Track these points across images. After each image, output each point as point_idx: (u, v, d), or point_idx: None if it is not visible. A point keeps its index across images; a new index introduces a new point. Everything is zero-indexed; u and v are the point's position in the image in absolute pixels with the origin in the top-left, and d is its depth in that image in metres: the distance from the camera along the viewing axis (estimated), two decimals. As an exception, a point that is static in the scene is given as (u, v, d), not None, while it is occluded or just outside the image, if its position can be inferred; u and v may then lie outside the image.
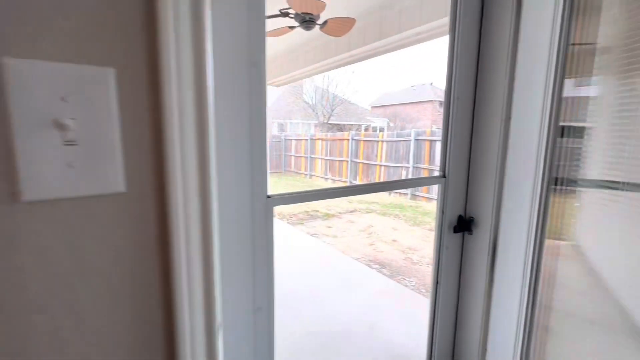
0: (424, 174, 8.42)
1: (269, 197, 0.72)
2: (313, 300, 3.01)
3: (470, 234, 1.06)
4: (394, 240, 5.28)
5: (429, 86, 39.82)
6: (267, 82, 5.40)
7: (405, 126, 24.09)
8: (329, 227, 6.02)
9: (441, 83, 36.75)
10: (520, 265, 0.90)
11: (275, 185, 11.05)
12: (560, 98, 0.82)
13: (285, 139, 14.91)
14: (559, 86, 0.81)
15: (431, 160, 8.22)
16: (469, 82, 1.01)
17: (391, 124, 26.60)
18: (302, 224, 6.20)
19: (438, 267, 1.06)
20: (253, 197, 0.69)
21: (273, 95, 25.73)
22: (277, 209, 6.99)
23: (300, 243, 4.72)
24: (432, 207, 7.82)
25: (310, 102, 21.17)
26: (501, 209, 0.97)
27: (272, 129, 21.89)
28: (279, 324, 2.70)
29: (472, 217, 1.06)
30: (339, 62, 4.04)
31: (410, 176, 8.73)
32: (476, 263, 1.04)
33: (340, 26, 2.76)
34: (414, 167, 8.66)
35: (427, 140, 8.28)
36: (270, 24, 2.72)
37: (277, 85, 5.89)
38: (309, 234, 5.53)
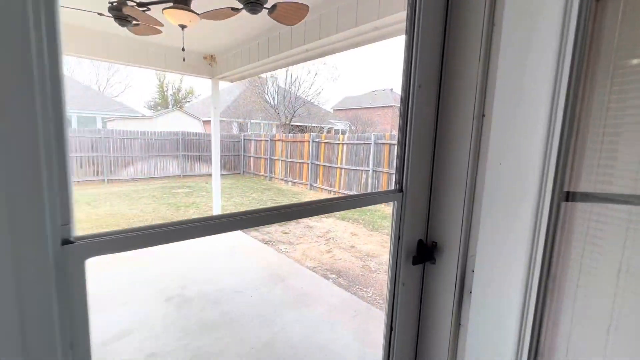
0: (384, 178, 8.43)
1: (70, 242, 0.40)
2: (261, 320, 2.67)
3: (433, 263, 0.83)
4: (352, 247, 5.11)
5: (390, 92, 41.32)
6: (220, 75, 4.95)
7: (366, 130, 24.51)
8: (286, 232, 5.70)
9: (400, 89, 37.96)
10: (513, 308, 0.66)
11: (231, 187, 10.46)
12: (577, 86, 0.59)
13: (244, 139, 14.29)
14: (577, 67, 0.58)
15: (390, 164, 8.25)
16: (432, 68, 0.77)
17: (353, 127, 26.95)
18: (256, 229, 5.80)
19: (392, 310, 0.81)
20: (28, 243, 0.36)
21: (232, 92, 24.78)
22: (230, 214, 6.51)
23: (251, 253, 4.35)
24: (390, 210, 7.83)
25: (272, 103, 20.66)
26: (473, 230, 0.74)
27: (231, 128, 21.01)
28: (222, 354, 2.36)
29: (435, 242, 0.82)
30: (296, 57, 3.76)
31: (370, 180, 8.71)
32: (440, 302, 0.81)
33: (291, 13, 2.48)
34: (373, 170, 8.64)
35: (387, 144, 8.30)
36: (211, 6, 2.38)
37: (231, 81, 5.46)
38: (262, 241, 5.16)
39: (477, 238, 0.71)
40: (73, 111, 16.19)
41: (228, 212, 6.77)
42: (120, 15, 2.53)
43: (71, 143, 10.33)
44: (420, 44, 0.73)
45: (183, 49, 2.73)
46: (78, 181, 10.40)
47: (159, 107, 35.94)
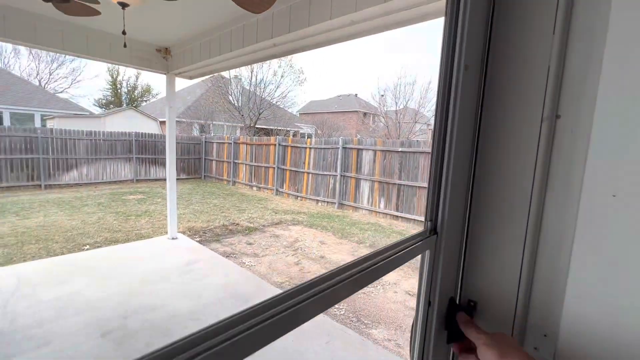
0: (352, 183, 8.29)
1: None
2: None
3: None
4: (322, 257, 4.84)
5: (354, 97, 42.06)
6: (176, 71, 4.45)
7: (332, 134, 24.56)
8: (250, 243, 5.28)
9: (365, 95, 39.10)
10: None
11: (190, 192, 9.73)
12: None
13: (205, 141, 13.50)
14: None
15: (358, 169, 8.14)
16: (478, 52, 0.51)
17: (319, 131, 26.89)
18: (217, 240, 5.32)
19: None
20: None
21: (194, 92, 23.55)
22: (188, 224, 5.95)
23: (210, 269, 3.89)
24: (360, 216, 7.70)
25: (237, 104, 19.89)
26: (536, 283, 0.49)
27: (192, 130, 19.88)
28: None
29: (473, 302, 0.56)
30: (262, 53, 3.43)
31: (337, 185, 8.52)
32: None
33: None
34: (341, 175, 8.47)
35: (354, 148, 8.19)
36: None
37: (190, 77, 4.96)
38: (224, 254, 4.71)
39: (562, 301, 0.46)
40: (3, 107, 14.27)
41: (185, 221, 6.17)
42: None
43: (5, 144, 8.98)
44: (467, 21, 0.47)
45: (124, 32, 2.29)
46: (8, 187, 9.05)
47: (112, 106, 33.24)
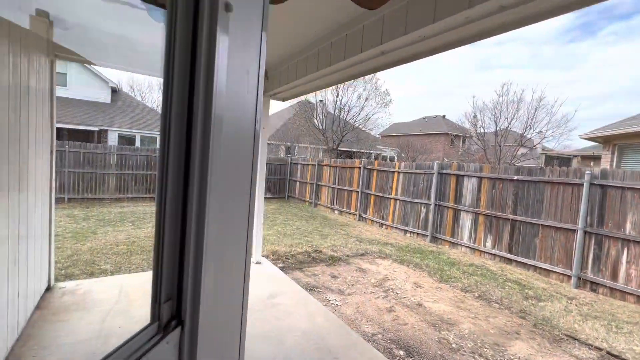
0: (449, 214, 7.18)
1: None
2: None
3: None
4: (419, 305, 4.00)
5: (442, 119, 39.56)
6: (271, 92, 4.40)
7: (417, 157, 23.07)
8: (334, 276, 4.77)
9: (454, 116, 36.16)
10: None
11: (274, 212, 9.89)
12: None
13: (291, 162, 13.92)
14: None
15: (458, 198, 7.02)
16: None
17: (402, 155, 25.64)
18: (300, 269, 4.96)
19: None
20: None
21: (282, 117, 25.19)
22: (272, 247, 5.78)
23: (292, 305, 3.48)
24: (459, 254, 6.52)
25: (320, 127, 20.42)
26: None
27: (279, 152, 21.05)
28: None
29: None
30: (364, 66, 3.03)
31: (431, 215, 7.50)
32: None
33: None
34: (436, 204, 7.44)
35: (454, 174, 7.13)
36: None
37: (284, 99, 4.92)
38: (307, 286, 4.28)
39: None
40: (137, 131, 17.39)
41: (269, 243, 6.05)
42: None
43: (133, 161, 10.71)
44: None
45: None
46: (131, 197, 10.63)
47: (214, 130, 38.06)
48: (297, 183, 13.38)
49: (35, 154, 2.75)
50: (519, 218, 5.89)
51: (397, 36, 2.20)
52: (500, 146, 16.66)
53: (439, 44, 2.35)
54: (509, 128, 17.16)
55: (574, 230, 5.17)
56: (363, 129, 21.99)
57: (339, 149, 20.67)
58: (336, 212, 10.82)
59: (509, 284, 4.98)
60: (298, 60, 3.53)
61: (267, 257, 5.26)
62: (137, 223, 7.22)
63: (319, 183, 11.89)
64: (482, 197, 6.55)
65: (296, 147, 20.82)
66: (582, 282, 5.05)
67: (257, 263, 4.57)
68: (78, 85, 17.33)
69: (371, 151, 23.90)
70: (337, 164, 11.04)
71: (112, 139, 16.72)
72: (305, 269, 4.97)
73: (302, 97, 20.76)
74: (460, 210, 6.94)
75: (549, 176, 5.55)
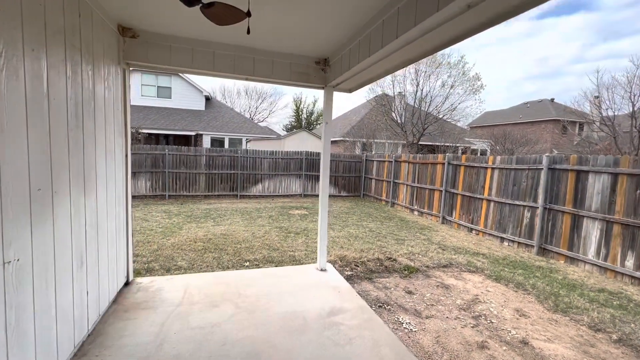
0: (564, 220, 5.63)
1: None
2: None
3: None
4: (525, 343, 3.04)
5: (549, 102, 33.37)
6: (333, 82, 3.93)
7: (515, 150, 19.68)
8: (410, 292, 4.07)
9: (566, 99, 29.70)
10: None
11: (348, 212, 9.47)
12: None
13: (366, 159, 13.31)
14: None
15: (578, 200, 5.43)
16: None
17: (496, 147, 22.29)
18: (370, 279, 4.42)
19: None
20: None
21: (359, 112, 24.58)
22: (340, 252, 5.36)
23: (355, 328, 2.98)
24: (581, 273, 5.02)
25: (399, 121, 19.15)
26: None
27: (354, 148, 20.58)
28: None
29: None
30: (441, 35, 2.31)
31: (538, 220, 6.02)
32: None
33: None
34: (546, 207, 5.94)
35: (572, 170, 5.54)
36: None
37: (349, 90, 4.41)
38: (376, 302, 3.72)
39: None
40: (225, 134, 19.11)
41: (338, 247, 5.64)
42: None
43: (218, 162, 11.67)
44: None
45: (249, 14, 1.74)
46: (217, 195, 11.58)
47: (294, 129, 39.85)
48: (373, 181, 12.70)
49: (105, 158, 2.88)
50: (683, 230, 4.16)
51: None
52: (639, 131, 12.88)
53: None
54: (652, 107, 13.12)
55: None
56: (448, 119, 19.83)
57: (420, 143, 19.07)
58: (416, 212, 9.81)
59: (670, 325, 3.50)
60: (360, 40, 2.99)
61: (334, 262, 4.86)
62: (217, 220, 7.68)
63: (397, 181, 11.00)
64: (617, 200, 4.90)
65: (372, 143, 20.00)
66: None
67: (321, 270, 4.21)
68: (179, 96, 19.93)
69: (458, 144, 21.42)
70: (416, 160, 10.00)
71: (206, 142, 18.74)
72: (376, 280, 4.40)
73: (379, 91, 19.82)
74: (583, 216, 5.35)
75: None
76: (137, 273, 4.16)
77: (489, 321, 3.43)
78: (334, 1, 2.51)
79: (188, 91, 20.14)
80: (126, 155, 3.46)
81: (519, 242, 6.45)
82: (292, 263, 4.81)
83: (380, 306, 3.64)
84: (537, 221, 6.04)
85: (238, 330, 2.75)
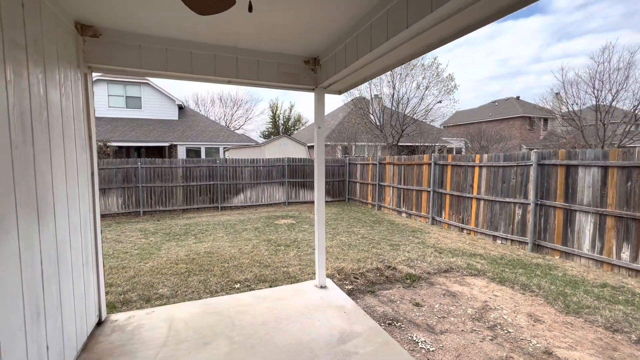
0: (557, 215, 5.62)
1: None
2: None
3: None
4: (549, 354, 2.84)
5: (515, 100, 34.95)
6: (325, 83, 3.60)
7: (491, 147, 20.31)
8: (417, 304, 3.81)
9: (529, 96, 31.19)
10: None
11: (335, 218, 9.17)
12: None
13: (349, 163, 13.12)
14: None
15: (569, 195, 5.44)
16: None
17: (470, 145, 22.93)
18: (372, 293, 4.12)
19: None
20: None
21: (336, 116, 24.52)
22: (336, 264, 5.03)
23: (368, 354, 2.66)
24: (578, 268, 4.99)
25: (378, 123, 19.20)
26: None
27: (335, 153, 20.41)
28: None
29: None
30: (433, 34, 2.10)
31: (531, 217, 5.99)
32: None
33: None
34: (537, 203, 5.92)
35: (561, 165, 5.55)
36: None
37: (339, 92, 4.14)
38: (385, 319, 3.42)
39: None
40: (202, 143, 18.33)
41: (333, 258, 5.31)
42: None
43: (196, 173, 11.03)
44: None
45: (250, 8, 1.40)
46: (197, 208, 10.93)
47: (272, 135, 39.29)
48: (357, 184, 12.52)
49: (65, 177, 2.40)
50: (677, 220, 4.19)
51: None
52: (604, 124, 13.56)
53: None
54: (614, 102, 13.88)
55: None
56: (424, 120, 20.13)
57: (399, 144, 19.21)
58: (404, 215, 9.68)
59: (680, 318, 3.45)
60: (358, 33, 2.70)
61: (332, 276, 4.53)
62: (199, 236, 7.13)
63: (382, 183, 10.86)
64: (609, 192, 4.92)
65: (353, 146, 19.92)
66: None
67: (321, 287, 3.86)
68: (150, 106, 18.94)
69: (436, 144, 21.81)
70: (401, 162, 9.90)
71: (181, 152, 17.87)
72: (379, 293, 4.11)
73: (356, 94, 19.81)
74: (575, 210, 5.35)
75: None
76: (112, 307, 3.62)
77: (505, 331, 3.22)
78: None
79: (159, 100, 19.21)
80: (92, 173, 2.97)
81: (512, 240, 6.40)
82: (287, 281, 4.42)
83: (389, 324, 3.34)
84: (530, 217, 6.02)
85: (237, 372, 2.35)
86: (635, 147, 8.32)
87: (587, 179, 5.20)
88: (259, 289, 4.09)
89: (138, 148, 18.46)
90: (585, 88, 14.66)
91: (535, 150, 6.03)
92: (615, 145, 13.75)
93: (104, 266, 3.30)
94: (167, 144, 17.23)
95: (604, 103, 13.99)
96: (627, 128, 13.37)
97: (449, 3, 1.77)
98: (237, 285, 4.28)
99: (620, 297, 3.95)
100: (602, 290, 4.16)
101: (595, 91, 14.09)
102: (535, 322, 3.41)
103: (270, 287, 4.15)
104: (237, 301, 3.56)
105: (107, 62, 2.89)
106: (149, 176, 10.40)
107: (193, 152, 18.33)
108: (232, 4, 1.83)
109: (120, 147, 16.94)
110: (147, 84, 18.39)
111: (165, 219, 9.53)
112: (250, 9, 1.43)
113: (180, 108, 21.08)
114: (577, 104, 15.16)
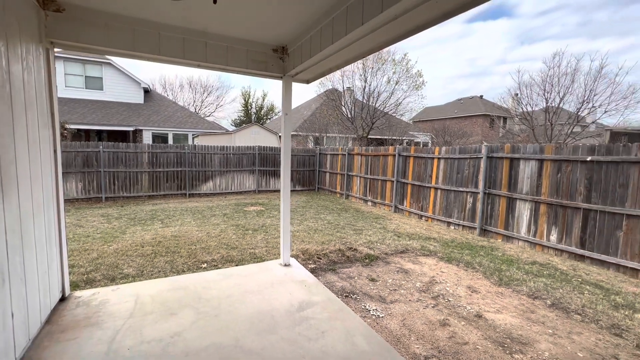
0: (501, 203, 6.27)
1: None
2: None
3: None
4: (479, 316, 3.31)
5: (479, 99, 36.87)
6: (292, 72, 3.81)
7: (454, 142, 21.51)
8: (373, 279, 4.18)
9: (494, 96, 33.30)
10: None
11: (304, 206, 9.44)
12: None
13: (320, 153, 13.39)
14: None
15: (512, 185, 6.08)
16: None
17: (437, 139, 24.10)
18: (333, 270, 4.44)
19: None
20: None
21: (310, 107, 24.62)
22: (301, 246, 5.31)
23: (326, 319, 2.97)
24: (516, 250, 5.64)
25: (349, 115, 19.60)
26: None
27: (307, 143, 20.58)
28: None
29: None
30: (403, 24, 2.37)
31: (479, 205, 6.61)
32: None
33: None
34: (485, 192, 6.54)
35: (506, 158, 6.17)
36: None
37: (307, 81, 4.34)
38: (342, 292, 3.75)
39: None
40: (169, 129, 17.72)
41: (299, 241, 5.58)
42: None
43: (163, 159, 10.75)
44: None
45: None
46: (163, 194, 10.71)
47: (243, 124, 38.56)
48: (327, 174, 12.85)
49: (28, 152, 2.42)
50: (594, 207, 4.89)
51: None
52: (552, 124, 14.87)
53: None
54: (561, 104, 15.24)
55: (674, 220, 4.14)
56: (394, 114, 20.83)
57: (369, 137, 19.76)
58: (369, 203, 10.16)
59: (588, 287, 4.09)
60: (322, 26, 2.92)
61: (296, 257, 4.79)
62: (166, 221, 7.09)
63: (350, 173, 11.25)
64: (543, 182, 5.58)
65: (325, 138, 20.21)
66: (687, 286, 4.03)
67: (285, 265, 4.11)
68: (113, 88, 17.94)
69: (404, 137, 22.67)
70: (368, 153, 10.32)
71: (147, 138, 17.19)
72: (340, 271, 4.44)
73: (329, 86, 20.03)
74: (516, 198, 6.01)
75: (636, 154, 4.50)
76: (75, 286, 3.64)
77: (446, 300, 3.67)
78: (296, -17, 2.40)
79: (123, 82, 18.22)
80: (55, 151, 2.97)
81: (463, 225, 7.03)
82: (253, 260, 4.62)
83: (346, 296, 3.67)
84: (479, 205, 6.64)
85: (202, 337, 2.55)
86: (575, 143, 9.28)
87: (526, 171, 5.85)
88: (226, 267, 4.26)
89: (99, 132, 17.50)
90: (537, 90, 15.94)
91: (485, 144, 6.62)
92: (562, 143, 15.16)
93: (67, 245, 3.31)
94: (131, 129, 16.49)
95: (553, 105, 15.31)
96: (570, 129, 14.77)
97: (396, 5, 2.04)
98: (205, 265, 4.42)
99: (544, 272, 4.58)
100: (532, 267, 4.79)
101: (546, 93, 15.37)
102: (472, 292, 3.90)
103: (237, 266, 4.33)
104: (204, 278, 3.72)
105: (70, 38, 2.87)
106: (112, 161, 10.02)
107: (160, 138, 17.70)
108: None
109: (79, 130, 15.98)
110: (110, 64, 17.37)
111: (130, 205, 9.29)
112: (214, 1, 1.58)
113: (146, 91, 20.14)
114: (530, 105, 16.44)
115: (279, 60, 3.83)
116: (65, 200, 9.22)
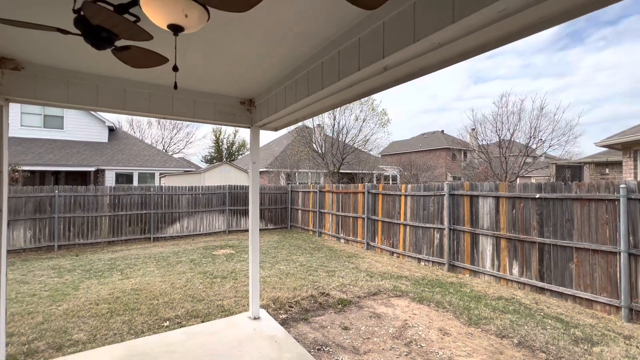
0: (466, 239, 6.54)
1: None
2: None
3: None
4: (451, 362, 3.31)
5: (440, 134, 39.42)
6: (260, 122, 3.94)
7: (419, 175, 22.56)
8: (346, 327, 4.09)
9: (453, 130, 36.00)
10: None
11: (277, 246, 9.24)
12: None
13: (292, 190, 13.41)
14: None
15: (474, 221, 6.41)
16: None
17: (405, 173, 25.15)
18: (305, 320, 4.30)
19: None
20: None
21: (281, 143, 25.00)
22: (272, 294, 5.13)
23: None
24: (483, 285, 5.82)
25: (320, 151, 20.09)
26: None
27: (279, 179, 20.60)
28: None
29: None
30: (361, 87, 2.59)
31: (446, 240, 6.85)
32: None
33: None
34: (451, 228, 6.82)
35: (467, 195, 6.55)
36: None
37: (275, 129, 4.48)
38: (314, 345, 3.61)
39: None
40: (134, 168, 17.08)
41: (270, 287, 5.40)
42: (91, 29, 1.56)
43: (126, 201, 10.23)
44: None
45: (175, 68, 1.64)
46: (125, 240, 10.06)
47: (215, 161, 38.08)
48: (300, 211, 12.80)
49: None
50: (547, 241, 5.25)
51: (405, 44, 1.73)
52: (505, 158, 16.14)
53: (455, 53, 1.89)
54: (512, 139, 16.71)
55: (615, 252, 4.53)
56: (363, 150, 21.64)
57: (340, 171, 20.21)
58: (342, 241, 10.16)
59: (550, 321, 4.27)
60: (286, 85, 3.09)
61: (267, 307, 4.61)
62: (126, 271, 6.61)
63: (322, 210, 11.31)
64: (501, 218, 5.94)
65: (296, 173, 20.39)
66: (635, 315, 4.33)
67: (254, 319, 3.93)
68: (74, 127, 17.25)
69: (373, 171, 23.43)
70: (339, 190, 10.51)
71: (110, 178, 16.39)
72: (312, 320, 4.30)
73: (300, 124, 20.63)
74: (478, 234, 6.31)
75: (576, 192, 4.97)
76: (12, 360, 3.22)
77: (419, 346, 3.65)
78: (260, 51, 2.57)
79: (86, 121, 17.62)
80: (0, 210, 2.76)
81: (433, 261, 7.19)
82: (221, 314, 4.38)
83: (319, 349, 3.54)
84: (445, 241, 6.87)
85: (160, 414, 2.32)
86: (528, 180, 10.04)
87: (485, 207, 6.22)
88: (191, 325, 3.99)
89: (56, 173, 16.49)
90: (490, 127, 17.43)
91: (447, 182, 7.03)
92: (516, 175, 16.39)
93: (7, 310, 2.97)
94: (92, 169, 15.70)
95: (505, 139, 16.73)
96: (522, 160, 16.09)
97: (352, 75, 2.23)
98: (167, 323, 4.11)
99: (510, 307, 4.74)
100: (498, 302, 4.93)
101: (498, 130, 16.82)
102: (444, 335, 3.91)
103: (203, 322, 4.08)
104: (165, 340, 3.45)
105: (29, 95, 2.81)
106: (69, 205, 9.37)
107: (124, 178, 16.94)
108: (165, 62, 2.05)
109: (32, 172, 14.95)
110: (72, 103, 16.81)
111: (86, 253, 8.60)
112: (175, 87, 1.65)
113: (111, 130, 19.56)
114: (485, 140, 17.84)
115: (247, 112, 3.95)
116: (10, 252, 8.36)
